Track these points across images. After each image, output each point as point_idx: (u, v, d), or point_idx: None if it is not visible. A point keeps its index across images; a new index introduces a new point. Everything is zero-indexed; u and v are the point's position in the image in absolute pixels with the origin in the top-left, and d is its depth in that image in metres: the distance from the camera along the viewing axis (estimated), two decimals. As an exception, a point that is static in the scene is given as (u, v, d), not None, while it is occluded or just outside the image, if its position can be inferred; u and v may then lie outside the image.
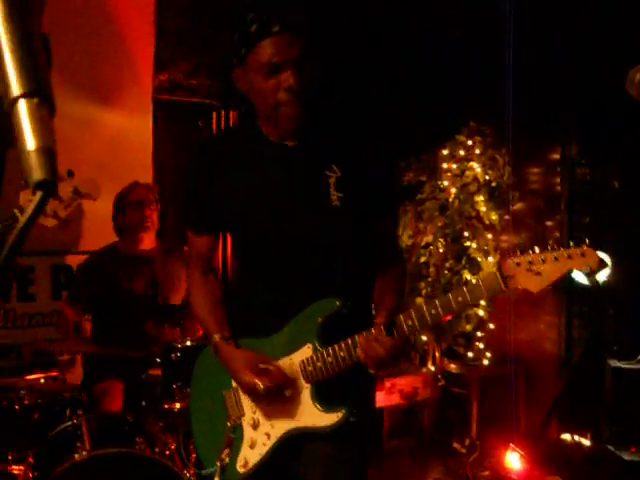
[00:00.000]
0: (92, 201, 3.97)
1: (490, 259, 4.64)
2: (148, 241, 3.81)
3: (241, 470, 2.03)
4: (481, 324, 4.68)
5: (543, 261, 1.68)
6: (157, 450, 2.97)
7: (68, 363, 3.64)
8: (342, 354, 1.89)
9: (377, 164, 2.03)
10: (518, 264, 1.69)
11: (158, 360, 3.23)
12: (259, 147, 2.03)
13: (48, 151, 0.63)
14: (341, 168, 1.96)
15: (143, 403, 3.23)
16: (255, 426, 2.03)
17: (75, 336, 3.63)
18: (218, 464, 2.03)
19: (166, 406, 3.15)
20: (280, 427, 1.99)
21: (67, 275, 4.41)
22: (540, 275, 1.68)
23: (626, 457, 3.52)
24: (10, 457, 3.03)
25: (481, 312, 4.64)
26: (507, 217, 4.72)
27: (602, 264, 1.71)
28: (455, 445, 4.72)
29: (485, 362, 4.70)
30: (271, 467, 2.02)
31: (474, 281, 1.76)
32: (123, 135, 4.56)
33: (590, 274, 1.70)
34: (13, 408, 3.09)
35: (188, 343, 3.25)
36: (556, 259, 1.69)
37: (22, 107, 0.65)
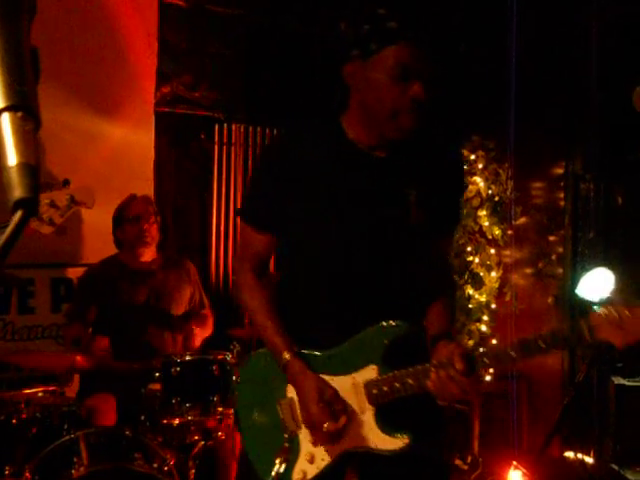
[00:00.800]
0: (89, 210, 3.95)
1: (493, 274, 4.61)
2: (148, 254, 3.80)
3: None
4: (483, 339, 4.65)
5: (631, 316, 1.64)
6: (155, 466, 2.94)
7: (66, 378, 3.61)
8: (410, 381, 1.84)
9: (452, 185, 2.04)
10: (605, 316, 1.65)
11: (157, 374, 3.20)
12: (342, 152, 1.95)
13: (30, 168, 0.61)
14: (420, 186, 1.93)
15: (142, 418, 3.20)
16: (314, 442, 1.97)
17: (73, 350, 3.59)
18: (273, 474, 1.96)
19: (165, 421, 3.13)
20: (340, 445, 1.94)
21: (67, 288, 4.39)
22: (625, 329, 1.64)
23: (630, 476, 3.48)
24: (7, 471, 2.99)
25: (483, 327, 4.61)
26: (510, 232, 4.69)
27: None
28: (457, 462, 4.67)
29: (487, 378, 4.66)
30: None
31: (557, 328, 1.75)
32: (125, 147, 4.55)
33: None
34: (11, 422, 3.06)
35: (188, 357, 3.23)
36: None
37: (5, 121, 0.62)
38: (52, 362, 3.46)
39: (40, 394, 3.35)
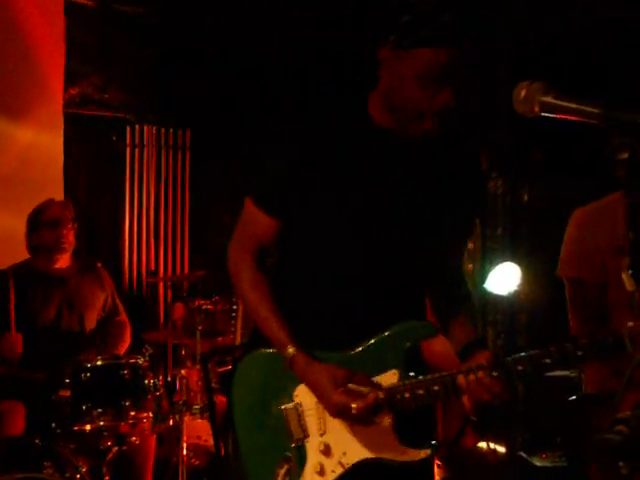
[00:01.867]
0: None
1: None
2: (64, 261, 3.72)
3: None
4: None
5: None
6: (67, 475, 2.90)
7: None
8: (436, 388, 1.71)
9: (475, 193, 1.94)
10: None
11: (67, 381, 3.15)
12: (366, 136, 1.81)
13: None
14: (448, 190, 1.83)
15: (52, 425, 3.14)
16: (324, 452, 1.82)
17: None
18: None
19: (76, 428, 3.08)
20: (354, 455, 1.79)
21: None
22: None
23: (537, 462, 3.60)
24: None
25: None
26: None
27: None
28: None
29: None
30: None
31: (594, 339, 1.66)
32: (33, 150, 4.47)
33: None
34: None
35: (99, 362, 3.19)
36: None
37: None
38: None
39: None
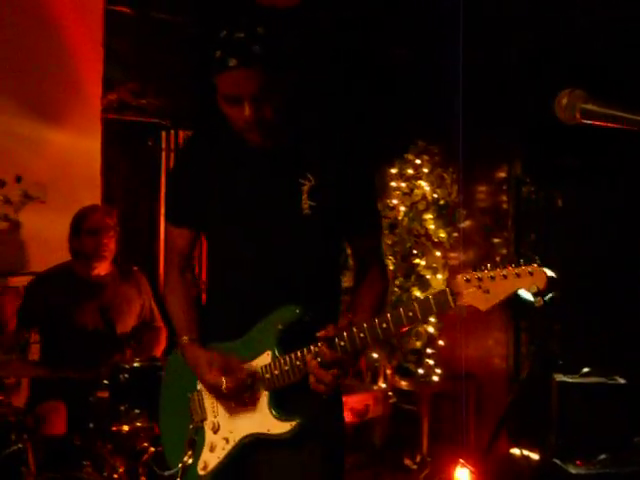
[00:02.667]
0: (35, 218, 3.95)
1: (439, 276, 4.70)
2: (103, 267, 3.75)
3: (201, 473, 2.03)
4: (431, 341, 4.73)
5: (492, 279, 1.67)
6: (105, 474, 2.94)
7: (14, 386, 3.58)
8: (298, 363, 1.89)
9: (355, 177, 2.01)
10: (468, 281, 1.69)
11: (106, 382, 3.20)
12: (235, 146, 2.01)
13: None
14: (316, 177, 1.96)
15: (90, 425, 3.19)
16: (215, 430, 2.03)
17: (21, 359, 3.55)
18: (180, 465, 2.03)
19: (114, 428, 3.12)
20: (238, 432, 1.99)
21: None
22: (488, 293, 1.67)
23: (572, 470, 3.57)
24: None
25: (431, 329, 4.69)
26: (455, 235, 4.78)
27: (551, 284, 1.70)
28: (406, 462, 4.75)
29: (435, 379, 4.74)
30: (229, 471, 2.02)
31: (424, 297, 1.77)
32: (71, 155, 4.52)
33: (538, 294, 1.68)
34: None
35: (136, 364, 3.23)
36: (505, 277, 1.67)
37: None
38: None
39: (-13, 404, 3.31)
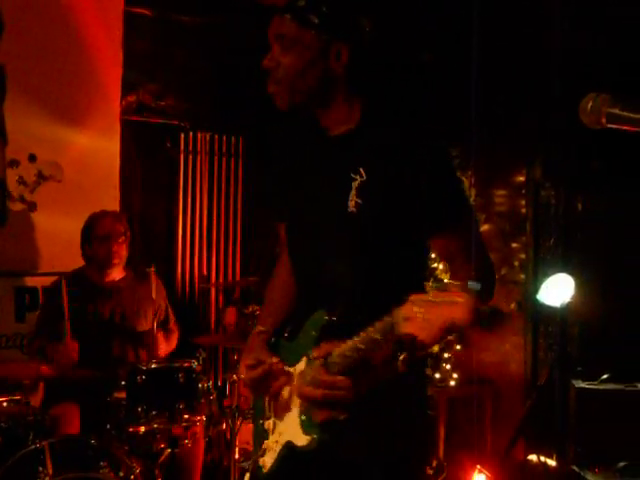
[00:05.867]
0: (53, 217, 3.96)
1: (456, 280, 4.66)
2: (116, 273, 3.77)
3: (264, 471, 1.97)
4: (448, 345, 4.70)
5: (430, 304, 1.47)
6: (122, 474, 2.95)
7: (31, 387, 3.59)
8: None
9: (423, 176, 1.80)
10: (412, 308, 1.49)
11: (122, 383, 3.20)
12: (314, 138, 1.96)
13: None
14: (368, 172, 1.81)
15: (107, 426, 3.20)
16: (272, 430, 1.97)
17: (38, 359, 3.57)
18: (250, 461, 2.04)
19: (130, 429, 3.13)
20: (283, 436, 1.91)
21: (32, 297, 4.36)
22: (428, 322, 1.45)
23: (590, 478, 3.54)
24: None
25: (448, 333, 4.66)
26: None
27: (477, 312, 1.43)
28: (422, 467, 4.71)
29: (452, 383, 4.72)
30: (280, 475, 1.94)
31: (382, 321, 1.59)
32: (91, 156, 4.54)
33: (470, 326, 1.43)
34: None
35: (153, 365, 3.24)
36: (438, 305, 1.45)
37: (-30, 136, 0.65)
38: (17, 371, 3.45)
39: (5, 404, 3.33)
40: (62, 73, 4.45)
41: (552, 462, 4.20)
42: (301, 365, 1.86)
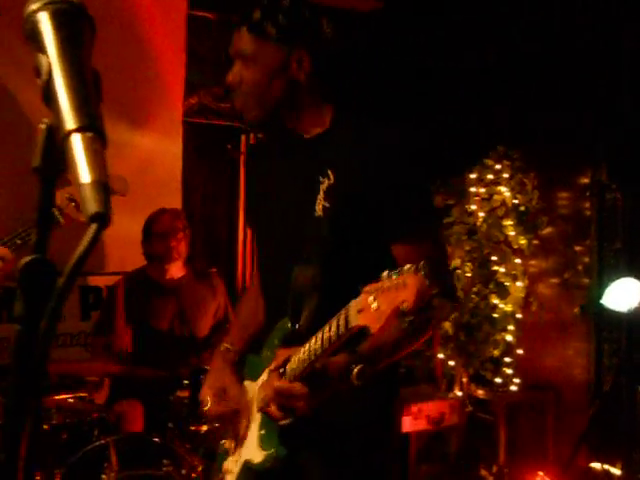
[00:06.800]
0: (116, 218, 3.99)
1: (519, 284, 4.60)
2: (176, 270, 3.80)
3: None
4: (509, 349, 4.64)
5: (380, 292, 1.36)
6: (184, 472, 2.97)
7: (96, 384, 3.65)
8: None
9: (388, 181, 1.73)
10: (365, 299, 1.39)
11: (185, 382, 3.24)
12: (282, 140, 1.94)
13: (102, 184, 0.65)
14: (336, 175, 1.75)
15: (170, 425, 3.24)
16: (232, 451, 1.90)
17: (105, 357, 3.63)
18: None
19: (193, 428, 3.16)
20: (242, 457, 1.83)
21: (96, 296, 4.44)
22: (379, 312, 1.34)
23: (658, 487, 3.46)
24: (38, 477, 3.03)
25: (509, 337, 4.60)
26: (535, 242, 4.68)
27: (425, 295, 1.30)
28: (482, 472, 4.66)
29: (513, 388, 4.65)
30: None
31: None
32: (153, 158, 4.60)
33: (414, 311, 1.31)
34: (42, 427, 3.11)
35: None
36: (388, 290, 1.35)
37: (76, 141, 0.67)
38: (83, 369, 3.51)
39: (70, 400, 3.40)
40: (127, 76, 4.51)
41: (616, 471, 4.11)
42: (263, 377, 1.81)
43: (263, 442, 1.73)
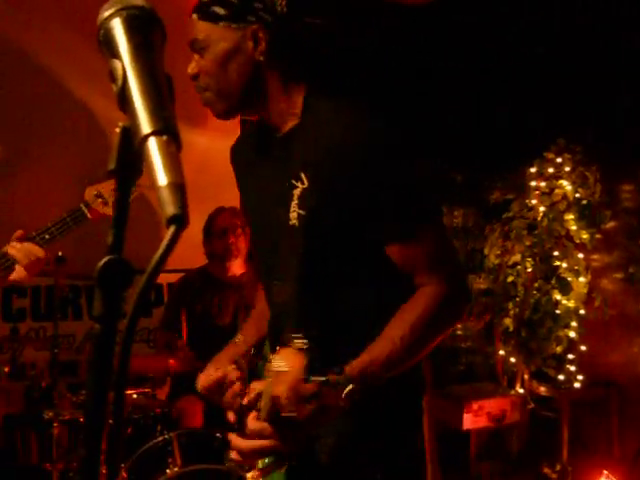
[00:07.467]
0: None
1: (581, 279, 4.52)
2: (237, 267, 3.83)
3: None
4: (572, 346, 4.56)
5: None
6: (246, 467, 2.99)
7: (159, 380, 3.72)
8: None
9: (369, 177, 1.54)
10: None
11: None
12: (260, 136, 1.81)
13: (178, 186, 0.66)
14: (311, 178, 1.58)
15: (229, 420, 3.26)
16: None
17: (165, 353, 3.69)
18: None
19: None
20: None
21: (157, 293, 4.51)
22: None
23: None
24: (103, 471, 3.09)
25: (572, 334, 4.52)
26: (599, 236, 4.59)
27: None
28: (545, 470, 4.59)
29: (576, 385, 4.57)
30: None
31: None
32: (211, 156, 4.64)
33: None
34: (106, 422, 3.17)
35: (275, 361, 3.27)
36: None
37: (152, 145, 0.68)
38: (146, 365, 3.57)
39: (135, 396, 3.46)
40: (183, 75, 4.56)
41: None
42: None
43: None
